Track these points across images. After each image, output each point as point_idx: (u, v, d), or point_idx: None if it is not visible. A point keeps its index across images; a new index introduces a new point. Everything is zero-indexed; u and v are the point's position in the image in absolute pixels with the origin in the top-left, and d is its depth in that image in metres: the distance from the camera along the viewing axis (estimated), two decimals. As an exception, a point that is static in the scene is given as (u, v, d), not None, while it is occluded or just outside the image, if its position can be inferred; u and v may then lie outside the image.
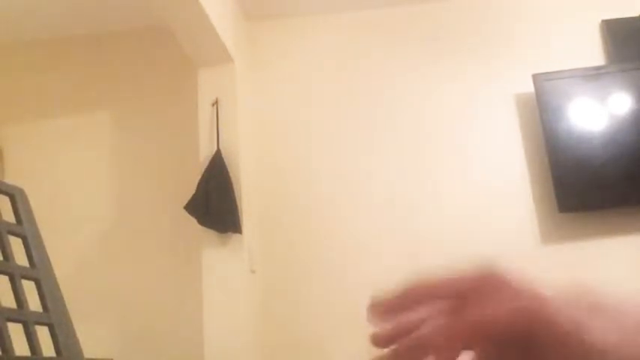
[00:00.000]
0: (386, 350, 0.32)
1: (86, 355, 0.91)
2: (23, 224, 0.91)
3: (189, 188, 2.91)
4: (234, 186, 2.88)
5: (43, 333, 0.84)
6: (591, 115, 3.10)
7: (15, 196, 0.92)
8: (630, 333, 0.29)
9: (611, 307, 0.31)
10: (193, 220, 2.85)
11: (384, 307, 0.32)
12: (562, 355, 0.28)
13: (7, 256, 0.84)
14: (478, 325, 0.30)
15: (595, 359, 0.28)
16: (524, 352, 0.30)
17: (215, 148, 2.96)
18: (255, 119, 3.37)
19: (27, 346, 0.81)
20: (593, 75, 3.15)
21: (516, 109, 3.28)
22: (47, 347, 0.83)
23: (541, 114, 3.12)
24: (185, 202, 2.88)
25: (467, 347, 0.31)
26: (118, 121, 3.52)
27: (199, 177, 2.91)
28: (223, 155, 2.94)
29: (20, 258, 0.88)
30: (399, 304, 0.32)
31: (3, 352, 0.74)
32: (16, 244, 0.88)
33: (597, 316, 0.30)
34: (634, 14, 3.28)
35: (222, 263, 2.87)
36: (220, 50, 3.02)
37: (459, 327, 0.30)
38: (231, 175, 2.90)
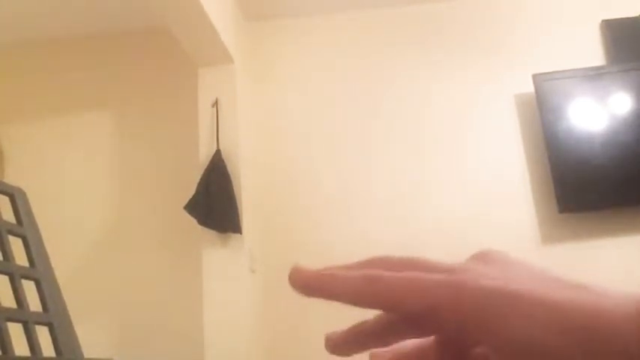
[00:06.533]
0: None
1: (86, 355, 0.91)
2: (23, 224, 0.91)
3: (189, 188, 2.91)
4: (234, 186, 2.88)
5: (43, 333, 0.84)
6: (591, 115, 3.10)
7: (15, 196, 0.92)
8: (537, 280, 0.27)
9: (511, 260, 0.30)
10: (193, 220, 2.85)
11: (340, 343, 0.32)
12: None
13: (7, 256, 0.84)
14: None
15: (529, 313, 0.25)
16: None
17: (215, 148, 2.96)
18: (255, 119, 3.37)
19: (27, 346, 0.81)
20: (593, 75, 3.15)
21: (516, 109, 3.28)
22: (47, 347, 0.83)
23: (541, 114, 3.12)
24: (185, 202, 2.88)
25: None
26: (118, 121, 3.52)
27: (199, 177, 2.91)
28: (223, 155, 2.94)
29: (20, 258, 0.88)
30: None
31: (3, 352, 0.74)
32: (16, 244, 0.88)
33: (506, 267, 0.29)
34: (634, 14, 3.28)
35: (222, 263, 2.87)
36: (220, 50, 3.02)
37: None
38: (231, 175, 2.90)
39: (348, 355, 0.31)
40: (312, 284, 0.29)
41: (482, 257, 0.30)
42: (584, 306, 0.25)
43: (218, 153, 2.95)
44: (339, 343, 0.31)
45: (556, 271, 0.28)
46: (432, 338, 0.31)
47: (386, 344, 0.31)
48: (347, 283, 0.28)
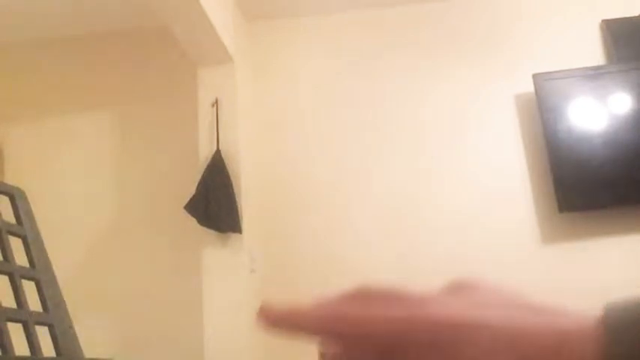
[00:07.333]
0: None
1: (86, 355, 0.91)
2: (23, 224, 0.91)
3: (189, 188, 2.91)
4: (234, 186, 2.88)
5: (43, 333, 0.84)
6: (591, 115, 3.10)
7: (15, 197, 0.92)
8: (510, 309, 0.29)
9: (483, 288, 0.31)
10: (193, 220, 2.85)
11: (271, 318, 0.33)
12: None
13: (7, 257, 0.84)
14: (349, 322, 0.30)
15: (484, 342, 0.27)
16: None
17: (215, 148, 2.96)
18: (255, 119, 3.37)
19: (27, 346, 0.81)
20: (593, 75, 3.15)
21: (516, 109, 3.27)
22: (47, 347, 0.83)
23: (541, 114, 3.12)
24: (185, 202, 2.88)
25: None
26: (118, 121, 3.52)
27: (199, 177, 2.91)
28: (223, 155, 2.94)
29: (20, 258, 0.88)
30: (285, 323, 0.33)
31: (3, 352, 0.74)
32: (16, 244, 0.88)
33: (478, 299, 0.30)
34: (634, 14, 3.28)
35: (222, 263, 2.87)
36: (220, 50, 3.02)
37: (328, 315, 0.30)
38: (231, 175, 2.90)
39: (274, 331, 0.32)
40: (280, 323, 0.32)
41: (454, 286, 0.32)
42: (542, 328, 0.27)
43: (218, 153, 2.95)
44: (272, 320, 0.32)
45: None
46: None
47: (325, 339, 0.32)
48: (312, 324, 0.31)
